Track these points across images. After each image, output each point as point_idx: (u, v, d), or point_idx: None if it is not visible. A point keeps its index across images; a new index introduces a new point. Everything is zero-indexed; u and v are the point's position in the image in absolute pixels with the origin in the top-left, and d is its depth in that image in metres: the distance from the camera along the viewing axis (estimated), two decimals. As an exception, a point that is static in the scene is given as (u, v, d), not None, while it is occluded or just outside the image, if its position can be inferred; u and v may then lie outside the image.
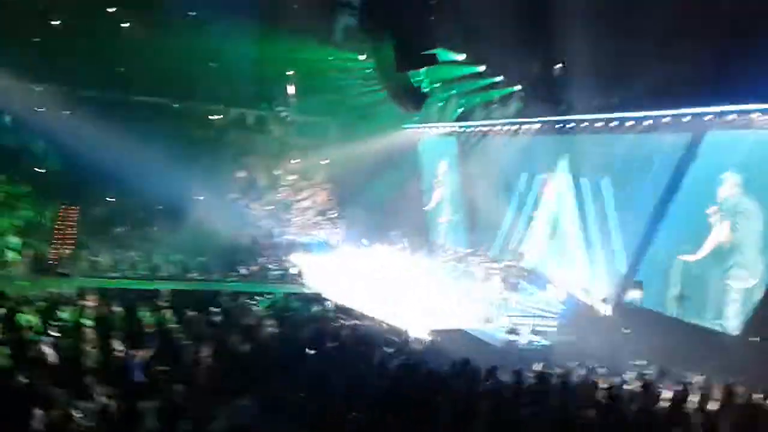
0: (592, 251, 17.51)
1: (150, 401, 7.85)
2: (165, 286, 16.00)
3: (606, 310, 15.66)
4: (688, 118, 14.99)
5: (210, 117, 28.30)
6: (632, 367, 11.64)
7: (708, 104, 14.23)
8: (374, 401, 8.51)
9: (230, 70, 25.39)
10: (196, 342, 10.50)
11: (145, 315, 12.78)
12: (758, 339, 12.68)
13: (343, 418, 8.13)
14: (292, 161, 28.24)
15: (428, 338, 13.94)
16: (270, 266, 21.05)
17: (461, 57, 19.60)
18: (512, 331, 14.53)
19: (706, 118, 14.56)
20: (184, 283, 18.23)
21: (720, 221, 14.27)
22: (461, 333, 14.80)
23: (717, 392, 8.31)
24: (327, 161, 28.02)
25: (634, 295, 15.62)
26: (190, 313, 12.91)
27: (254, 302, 15.07)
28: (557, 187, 19.48)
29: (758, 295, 13.24)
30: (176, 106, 26.94)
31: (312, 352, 11.69)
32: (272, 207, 26.07)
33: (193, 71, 24.60)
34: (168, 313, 13.02)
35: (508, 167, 21.58)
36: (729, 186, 14.13)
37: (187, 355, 9.97)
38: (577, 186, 18.59)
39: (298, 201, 26.78)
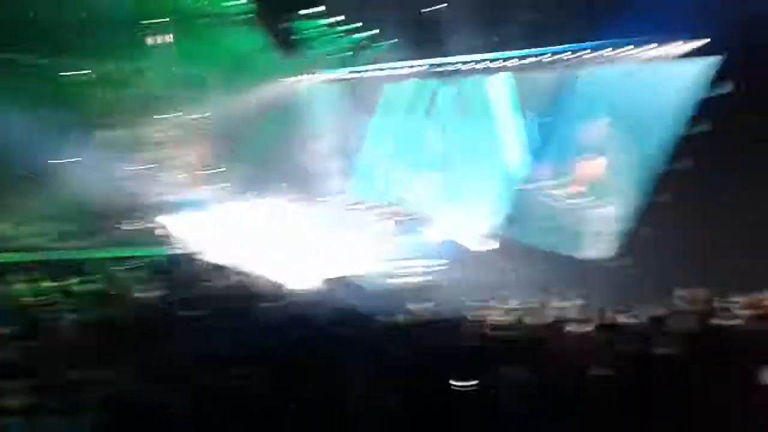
0: (468, 190, 17.99)
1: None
2: (31, 258, 14.91)
3: (484, 246, 16.23)
4: (567, 54, 15.37)
5: (78, 72, 25.96)
6: (512, 299, 12.11)
7: (585, 41, 14.69)
8: (258, 358, 8.38)
9: (98, 20, 23.31)
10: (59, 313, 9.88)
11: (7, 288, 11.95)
12: (624, 263, 13.61)
13: (226, 380, 7.95)
14: (170, 116, 26.59)
15: (313, 289, 13.88)
16: (148, 228, 20.04)
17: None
18: (395, 275, 14.73)
19: (585, 54, 15.04)
20: (52, 253, 17.01)
21: (590, 155, 15.02)
22: (345, 281, 14.83)
23: (590, 316, 8.80)
24: (207, 114, 26.61)
25: (510, 229, 16.28)
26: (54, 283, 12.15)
27: (130, 267, 14.37)
28: (434, 129, 19.75)
29: (622, 223, 14.13)
30: (40, 61, 24.43)
31: (192, 314, 11.35)
32: (150, 166, 24.60)
33: (56, 22, 22.40)
34: (32, 286, 12.22)
35: (387, 112, 21.63)
36: (600, 121, 14.80)
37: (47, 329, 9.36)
38: (453, 127, 18.94)
39: (178, 158, 25.43)
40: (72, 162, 21.99)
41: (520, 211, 16.40)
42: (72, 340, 9.16)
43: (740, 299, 8.30)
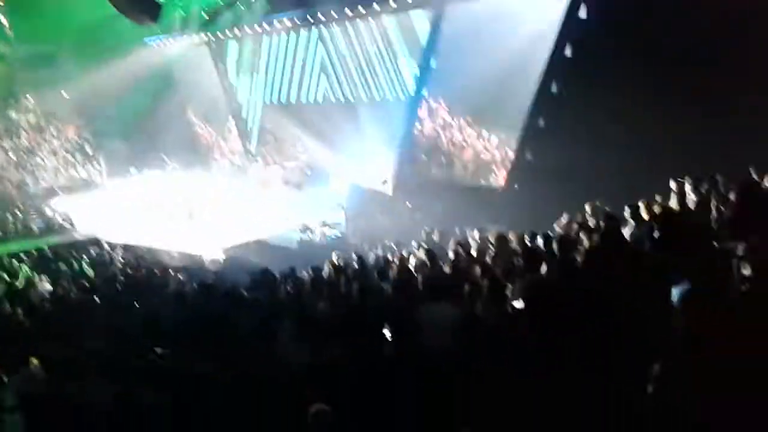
0: (364, 138, 17.96)
1: None
2: None
3: (387, 190, 16.37)
4: None
5: None
6: (419, 236, 12.33)
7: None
8: (174, 332, 8.15)
9: None
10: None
11: None
12: (515, 186, 14.14)
13: (143, 358, 7.70)
14: (27, 100, 24.71)
15: (222, 256, 13.60)
16: (30, 219, 18.73)
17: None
18: (305, 230, 14.64)
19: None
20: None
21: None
22: (256, 243, 14.63)
23: (491, 242, 9.07)
24: (67, 94, 24.88)
25: (409, 170, 16.47)
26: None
27: (20, 262, 13.47)
28: (315, 80, 19.46)
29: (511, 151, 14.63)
30: None
31: (98, 299, 10.90)
32: (16, 154, 22.89)
33: None
34: None
35: (266, 68, 21.04)
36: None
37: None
38: (336, 76, 18.74)
39: (45, 143, 23.75)
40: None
41: (419, 151, 16.60)
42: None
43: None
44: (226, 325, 7.44)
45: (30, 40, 24.00)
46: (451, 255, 8.69)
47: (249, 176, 20.09)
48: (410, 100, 16.75)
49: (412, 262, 8.92)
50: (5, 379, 8.32)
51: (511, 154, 14.63)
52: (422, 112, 16.69)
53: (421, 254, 8.88)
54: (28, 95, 24.76)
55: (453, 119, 16.01)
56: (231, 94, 23.11)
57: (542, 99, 13.34)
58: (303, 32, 19.40)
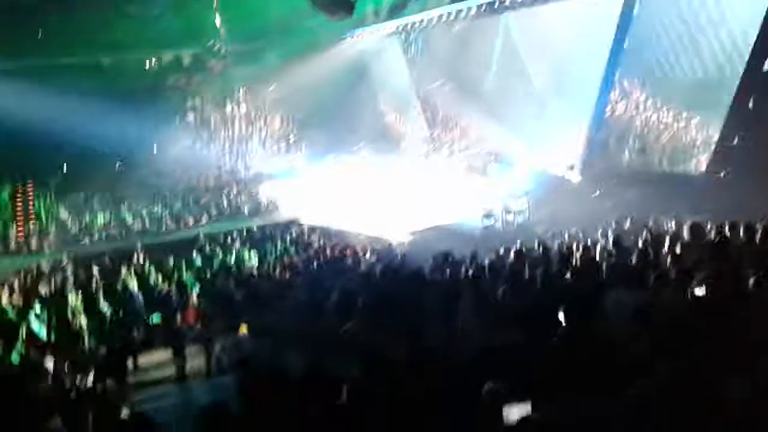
0: (550, 123, 17.55)
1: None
2: (140, 242, 15.88)
3: (575, 177, 15.89)
4: None
5: (144, 66, 27.41)
6: (607, 225, 11.90)
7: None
8: (364, 311, 8.70)
9: (152, 12, 24.20)
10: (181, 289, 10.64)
11: (127, 273, 12.89)
12: (720, 174, 13.01)
13: (336, 334, 8.33)
14: (239, 93, 27.55)
15: (408, 240, 14.13)
16: (241, 202, 20.86)
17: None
18: (488, 217, 14.69)
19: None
20: (157, 236, 18.06)
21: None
22: (439, 229, 14.99)
23: (686, 232, 8.53)
24: (273, 86, 27.33)
25: (598, 155, 15.83)
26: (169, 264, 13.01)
27: (231, 241, 15.10)
28: (512, 66, 19.29)
29: (715, 134, 13.47)
30: (106, 61, 25.88)
31: (298, 275, 11.90)
32: (230, 143, 25.54)
33: (112, 21, 23.49)
34: (150, 268, 13.13)
35: (456, 54, 21.27)
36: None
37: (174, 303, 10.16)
38: (523, 61, 18.44)
39: (254, 132, 26.24)
40: (164, 147, 23.29)
41: (610, 136, 15.86)
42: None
43: None
44: (410, 305, 7.83)
45: (239, 38, 26.68)
46: (640, 245, 8.33)
47: (434, 162, 20.55)
48: (602, 83, 16.02)
49: (597, 252, 8.70)
50: (221, 343, 9.50)
51: (715, 138, 13.50)
52: (614, 94, 15.94)
53: (608, 243, 8.63)
54: (240, 89, 27.59)
55: (648, 101, 15.10)
56: (418, 82, 23.76)
57: (752, 78, 12.14)
58: (488, 18, 19.36)
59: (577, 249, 9.17)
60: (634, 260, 7.54)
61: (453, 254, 10.07)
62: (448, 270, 9.26)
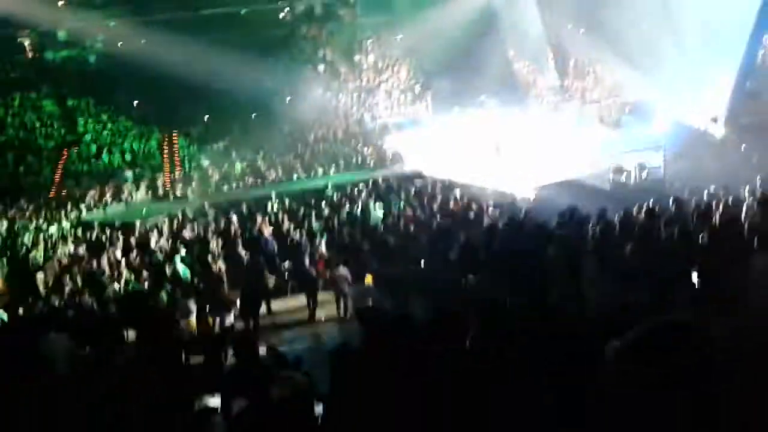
0: (695, 70, 16.35)
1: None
2: (273, 190, 16.69)
3: (718, 130, 14.80)
4: None
5: (279, 15, 28.55)
6: (751, 183, 11.06)
7: None
8: (486, 263, 8.78)
9: None
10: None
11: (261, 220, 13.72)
12: None
13: (458, 283, 8.49)
14: (368, 42, 27.85)
15: (534, 195, 13.89)
16: (367, 153, 21.18)
17: None
18: (619, 171, 14.04)
19: None
20: (290, 184, 18.83)
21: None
22: (568, 183, 14.57)
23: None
24: (401, 36, 27.40)
25: (746, 107, 14.60)
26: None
27: (357, 192, 15.48)
28: (650, 15, 18.09)
29: None
30: (243, 12, 27.11)
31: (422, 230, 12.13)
32: (358, 94, 25.91)
33: None
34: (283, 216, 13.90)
35: (592, 3, 20.23)
36: None
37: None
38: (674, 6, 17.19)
39: (381, 82, 26.43)
40: (296, 98, 24.21)
41: (761, 88, 14.54)
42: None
43: None
44: (533, 259, 7.80)
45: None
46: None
47: (565, 114, 19.83)
48: (754, 28, 14.62)
49: (741, 210, 8.17)
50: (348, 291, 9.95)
51: None
52: (766, 40, 14.55)
53: (753, 201, 8.06)
54: (369, 39, 27.88)
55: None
56: (550, 27, 22.81)
57: None
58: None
59: (717, 208, 8.65)
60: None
61: (579, 209, 9.84)
62: (574, 225, 9.07)
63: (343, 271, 10.25)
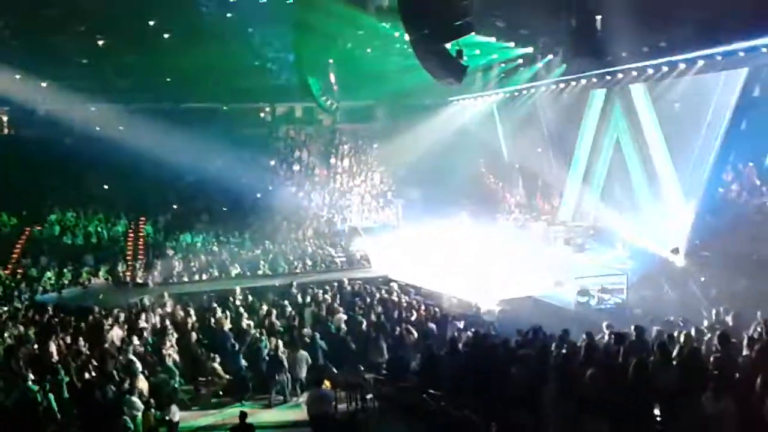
0: (656, 202, 17.01)
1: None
2: (235, 285, 16.39)
3: (678, 260, 15.18)
4: (742, 53, 13.81)
5: (260, 114, 29.42)
6: (709, 316, 11.19)
7: (760, 36, 13.20)
8: (448, 378, 8.63)
9: (272, 67, 25.93)
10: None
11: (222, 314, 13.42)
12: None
13: (418, 398, 8.29)
14: (344, 147, 28.66)
15: (499, 309, 13.91)
16: (335, 254, 21.12)
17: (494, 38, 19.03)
18: (583, 293, 14.16)
19: (763, 49, 13.55)
20: (253, 281, 18.49)
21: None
22: (531, 300, 14.66)
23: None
24: (377, 144, 28.40)
25: (707, 240, 15.03)
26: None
27: (323, 293, 15.30)
28: (613, 142, 19.02)
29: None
30: (225, 108, 27.82)
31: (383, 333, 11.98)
32: (331, 195, 26.19)
33: (235, 72, 25.31)
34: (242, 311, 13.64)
35: (559, 127, 21.26)
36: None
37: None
38: (633, 137, 18.10)
39: (355, 186, 26.86)
40: (269, 194, 24.47)
41: (719, 221, 15.04)
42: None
43: None
44: (495, 376, 7.70)
45: (352, 97, 27.91)
46: (746, 342, 7.78)
47: (532, 231, 20.25)
48: (714, 164, 15.32)
49: (701, 344, 8.24)
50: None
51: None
52: (727, 176, 15.27)
53: (713, 335, 8.13)
54: (346, 144, 28.70)
55: (764, 186, 14.37)
56: (520, 152, 23.80)
57: None
58: (597, 91, 19.27)
59: (677, 339, 8.65)
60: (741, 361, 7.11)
61: (542, 329, 9.88)
62: (536, 345, 9.04)
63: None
